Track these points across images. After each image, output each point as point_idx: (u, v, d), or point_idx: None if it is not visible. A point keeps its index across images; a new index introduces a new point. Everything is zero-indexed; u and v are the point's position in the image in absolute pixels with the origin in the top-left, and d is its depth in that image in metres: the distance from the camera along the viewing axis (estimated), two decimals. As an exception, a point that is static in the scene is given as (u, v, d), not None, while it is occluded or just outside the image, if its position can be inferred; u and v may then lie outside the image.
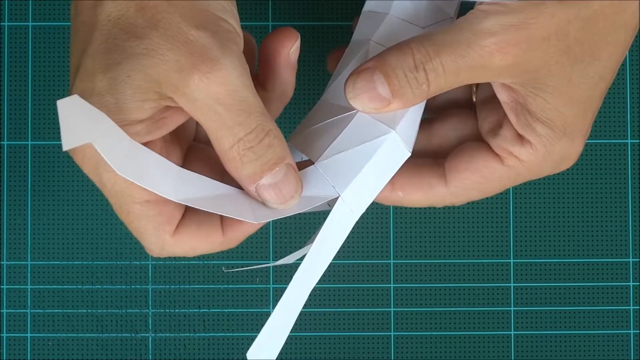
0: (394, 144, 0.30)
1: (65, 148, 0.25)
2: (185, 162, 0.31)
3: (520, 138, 0.31)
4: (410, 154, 0.31)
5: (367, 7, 0.33)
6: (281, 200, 0.29)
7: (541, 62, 0.28)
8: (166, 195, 0.28)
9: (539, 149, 0.30)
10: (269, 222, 0.45)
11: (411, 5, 0.32)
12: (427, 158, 0.33)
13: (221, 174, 0.30)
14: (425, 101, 0.31)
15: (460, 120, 0.34)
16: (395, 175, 0.32)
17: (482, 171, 0.31)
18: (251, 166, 0.28)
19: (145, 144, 0.28)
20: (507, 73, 0.29)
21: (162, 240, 0.29)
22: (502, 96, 0.30)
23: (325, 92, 0.33)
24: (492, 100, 0.32)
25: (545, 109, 0.29)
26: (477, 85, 0.34)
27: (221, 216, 0.30)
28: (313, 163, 0.31)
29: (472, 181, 0.32)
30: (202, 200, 0.29)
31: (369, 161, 0.30)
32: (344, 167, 0.30)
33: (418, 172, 0.32)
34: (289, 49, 0.30)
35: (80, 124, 0.25)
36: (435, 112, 0.35)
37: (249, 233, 0.31)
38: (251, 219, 0.29)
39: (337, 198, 0.30)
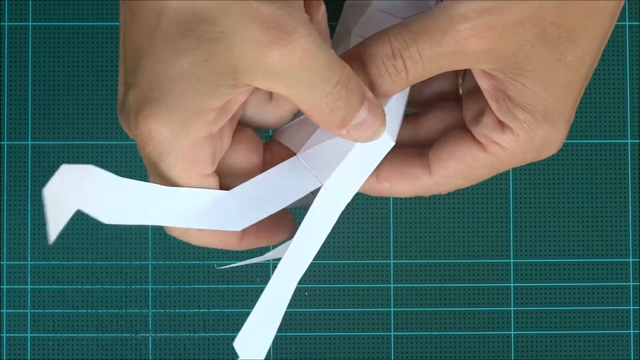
0: None
1: (51, 240, 0.25)
2: (232, 143, 0.31)
3: (501, 125, 0.31)
4: (394, 143, 0.31)
5: (349, 0, 0.34)
6: (372, 132, 0.30)
7: (518, 47, 0.28)
8: (159, 223, 0.29)
9: (520, 135, 0.30)
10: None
11: None
12: (412, 148, 0.33)
13: (261, 153, 0.31)
14: (408, 90, 0.31)
15: (446, 112, 0.34)
16: (380, 166, 0.32)
17: (466, 159, 0.32)
18: (341, 114, 0.28)
19: (212, 134, 0.28)
20: (485, 58, 0.29)
21: (186, 228, 0.30)
22: (483, 83, 0.31)
23: None
24: (476, 90, 0.32)
25: (524, 94, 0.30)
26: (464, 76, 0.34)
27: None
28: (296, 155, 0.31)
29: (455, 169, 0.32)
30: (192, 218, 0.29)
31: (351, 150, 0.30)
32: (326, 157, 0.30)
33: (403, 163, 0.33)
34: (317, 17, 0.30)
35: (66, 199, 0.26)
36: (423, 105, 0.35)
37: (265, 245, 0.32)
38: (234, 227, 0.30)
39: (320, 188, 0.30)
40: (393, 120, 0.31)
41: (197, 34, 0.26)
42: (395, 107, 0.31)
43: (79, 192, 0.27)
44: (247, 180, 0.30)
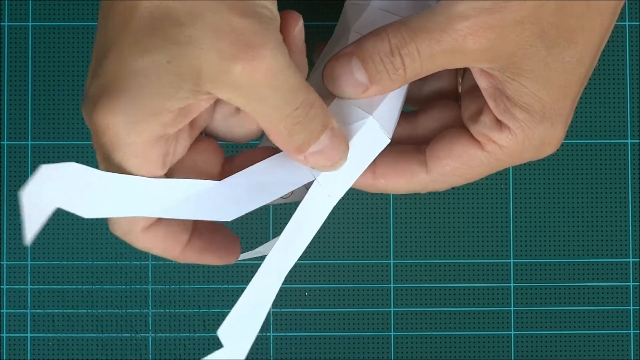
0: (372, 129, 0.30)
1: (27, 241, 0.26)
2: (191, 150, 0.31)
3: (500, 124, 0.31)
4: (389, 140, 0.31)
5: None
6: (330, 163, 0.29)
7: (516, 46, 0.28)
8: (146, 214, 0.28)
9: (517, 134, 0.30)
10: (269, 218, 0.45)
11: None
12: (410, 145, 0.33)
13: (219, 165, 0.31)
14: (405, 88, 0.32)
15: (445, 110, 0.34)
16: (377, 163, 0.32)
17: (463, 157, 0.32)
18: (299, 138, 0.28)
19: (167, 135, 0.28)
20: (483, 57, 0.29)
21: (130, 227, 0.29)
22: (481, 82, 0.31)
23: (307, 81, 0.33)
24: (475, 88, 0.32)
25: (522, 94, 0.30)
26: (463, 75, 0.34)
27: (191, 231, 0.31)
28: None
29: (452, 167, 0.32)
30: (179, 208, 0.29)
31: None
32: None
33: (400, 160, 0.33)
34: (293, 32, 0.30)
35: (42, 199, 0.26)
36: (422, 103, 0.35)
37: (206, 263, 0.32)
38: (225, 217, 0.30)
39: (313, 182, 0.30)
40: (389, 117, 0.31)
41: (165, 35, 0.26)
42: (391, 104, 0.31)
43: (57, 190, 0.27)
44: None
